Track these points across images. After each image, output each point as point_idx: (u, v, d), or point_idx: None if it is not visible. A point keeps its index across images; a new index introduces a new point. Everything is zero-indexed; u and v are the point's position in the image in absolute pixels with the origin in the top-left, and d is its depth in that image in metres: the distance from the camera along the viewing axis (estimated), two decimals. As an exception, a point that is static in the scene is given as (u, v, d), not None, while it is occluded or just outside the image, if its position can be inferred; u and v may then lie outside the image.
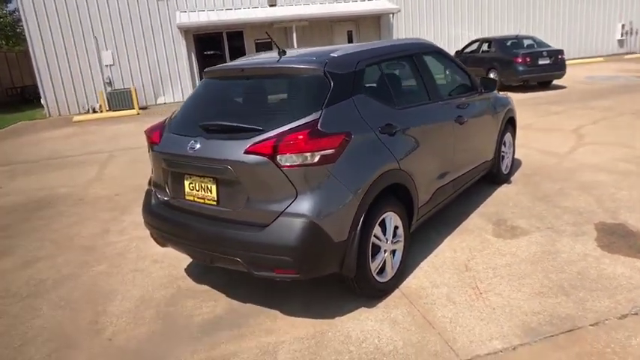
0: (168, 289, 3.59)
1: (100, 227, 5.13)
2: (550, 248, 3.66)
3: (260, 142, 2.68)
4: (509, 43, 13.68)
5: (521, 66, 12.63)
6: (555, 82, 13.41)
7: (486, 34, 18.78)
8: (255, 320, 3.06)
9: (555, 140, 7.13)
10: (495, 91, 4.88)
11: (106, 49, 16.83)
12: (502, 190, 5.05)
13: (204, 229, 2.94)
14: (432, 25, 19.79)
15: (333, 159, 2.71)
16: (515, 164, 5.82)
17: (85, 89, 16.80)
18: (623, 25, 21.60)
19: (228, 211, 2.86)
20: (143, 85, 17.50)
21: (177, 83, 17.96)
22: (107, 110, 15.98)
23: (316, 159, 2.64)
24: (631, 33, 21.92)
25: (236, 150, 2.74)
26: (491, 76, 13.58)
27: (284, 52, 3.38)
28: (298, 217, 2.64)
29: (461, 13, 20.01)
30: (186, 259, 4.06)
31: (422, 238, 3.96)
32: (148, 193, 3.50)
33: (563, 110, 9.58)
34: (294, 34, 17.22)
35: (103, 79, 16.92)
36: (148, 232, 4.73)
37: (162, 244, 3.44)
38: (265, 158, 2.65)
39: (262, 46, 18.81)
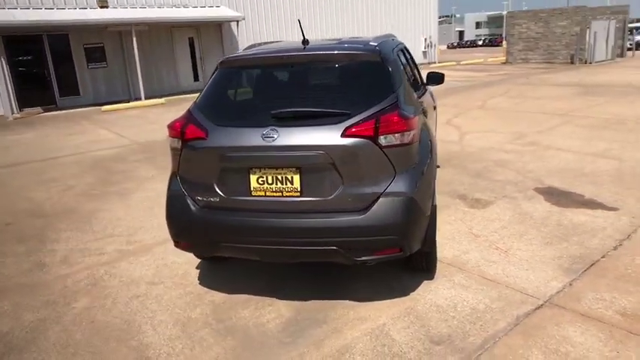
0: (203, 307, 3.19)
1: (26, 262, 4.15)
2: (520, 211, 4.40)
3: (358, 123, 2.67)
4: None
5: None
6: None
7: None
8: (335, 313, 2.99)
9: (439, 131, 8.27)
10: None
11: None
12: (439, 173, 5.74)
13: (287, 224, 2.76)
14: (271, 32, 20.51)
15: (417, 138, 2.86)
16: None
17: None
18: (425, 39, 25.73)
19: (316, 200, 2.74)
20: None
21: (-18, 95, 14.85)
22: None
23: (409, 138, 2.76)
24: (430, 46, 26.26)
25: (331, 134, 2.67)
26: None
27: (307, 42, 3.34)
28: (400, 196, 2.71)
29: (294, 23, 21.18)
30: (189, 275, 3.64)
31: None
32: (178, 199, 3.05)
33: (423, 108, 11.10)
34: (134, 39, 15.89)
35: None
36: (106, 257, 4.08)
37: (208, 253, 3.07)
38: (367, 140, 2.66)
39: (94, 51, 16.88)
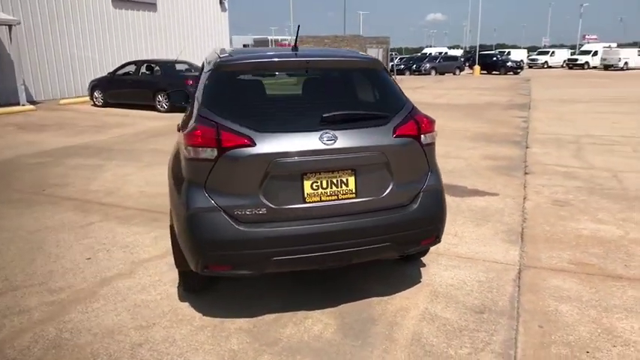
0: (236, 336, 2.88)
1: None
2: (434, 202, 5.19)
3: (403, 124, 2.89)
4: (174, 67, 14.47)
5: (192, 87, 13.71)
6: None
7: (117, 59, 18.72)
8: (376, 311, 3.11)
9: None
10: None
11: None
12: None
13: (345, 227, 2.77)
14: (52, 43, 17.81)
15: None
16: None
17: None
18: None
19: (370, 200, 2.84)
20: None
21: None
22: None
23: (434, 138, 3.11)
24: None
25: (384, 135, 2.83)
26: (160, 98, 14.07)
27: (296, 48, 3.35)
28: (434, 189, 3.05)
29: (86, 36, 18.91)
30: (179, 310, 3.19)
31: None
32: (209, 216, 2.68)
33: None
34: None
35: None
36: (39, 313, 3.19)
37: (256, 271, 2.78)
38: (412, 139, 2.91)
39: None
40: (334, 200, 2.79)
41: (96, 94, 15.59)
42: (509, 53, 44.62)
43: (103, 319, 3.09)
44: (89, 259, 4.03)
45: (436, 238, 3.11)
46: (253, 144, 2.66)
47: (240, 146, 2.66)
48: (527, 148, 8.02)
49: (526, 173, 6.37)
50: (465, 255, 3.87)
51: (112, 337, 2.88)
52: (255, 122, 2.75)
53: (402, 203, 2.94)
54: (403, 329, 2.89)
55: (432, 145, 3.07)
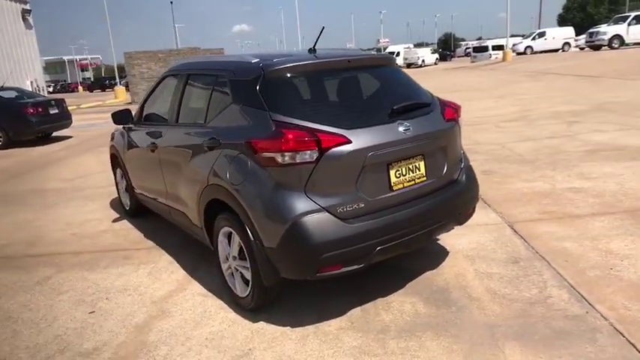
0: (345, 335, 2.92)
1: None
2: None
3: (445, 110, 3.31)
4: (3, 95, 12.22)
5: (35, 117, 11.84)
6: (61, 132, 13.41)
7: None
8: (438, 282, 3.44)
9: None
10: None
11: None
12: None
13: (428, 207, 3.05)
14: None
15: None
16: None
17: None
18: (32, 82, 22.71)
19: (435, 180, 3.18)
20: None
21: None
22: None
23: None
24: (39, 90, 23.37)
25: (439, 120, 3.22)
26: (-9, 133, 11.87)
27: (315, 50, 3.47)
28: (469, 166, 3.54)
29: None
30: (264, 331, 3.08)
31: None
32: (316, 218, 2.70)
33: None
34: None
35: None
36: None
37: (365, 263, 2.84)
38: (455, 122, 3.36)
39: None
40: (412, 185, 3.05)
41: None
42: (327, 59, 48.49)
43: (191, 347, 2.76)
44: (93, 312, 3.44)
45: (474, 210, 3.59)
46: (349, 141, 2.75)
47: (339, 144, 2.72)
48: (416, 135, 9.16)
49: (437, 155, 7.36)
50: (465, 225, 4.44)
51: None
52: (338, 120, 2.83)
53: (453, 179, 3.34)
54: (475, 289, 3.28)
55: (461, 127, 3.53)
